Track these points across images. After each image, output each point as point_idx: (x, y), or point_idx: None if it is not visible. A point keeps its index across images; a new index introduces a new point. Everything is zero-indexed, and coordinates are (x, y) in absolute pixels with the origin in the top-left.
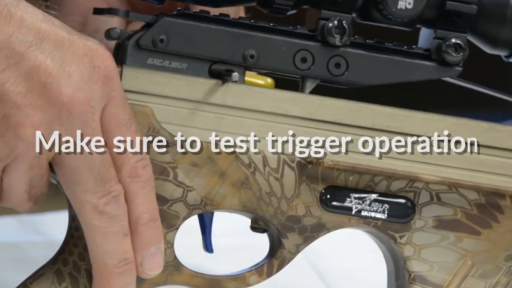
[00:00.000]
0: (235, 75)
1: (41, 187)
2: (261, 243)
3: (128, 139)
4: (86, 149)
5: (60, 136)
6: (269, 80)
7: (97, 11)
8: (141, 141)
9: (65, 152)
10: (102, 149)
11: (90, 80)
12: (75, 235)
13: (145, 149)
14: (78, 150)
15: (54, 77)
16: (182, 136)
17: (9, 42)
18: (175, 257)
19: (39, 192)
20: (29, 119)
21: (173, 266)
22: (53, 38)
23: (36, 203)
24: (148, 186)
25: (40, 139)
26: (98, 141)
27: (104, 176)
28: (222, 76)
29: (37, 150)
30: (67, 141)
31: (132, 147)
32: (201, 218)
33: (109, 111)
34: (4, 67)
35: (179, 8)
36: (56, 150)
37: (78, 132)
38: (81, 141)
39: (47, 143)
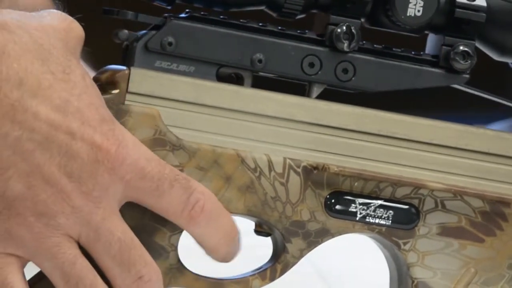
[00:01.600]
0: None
1: (79, 275)
2: (265, 245)
3: (167, 198)
4: (101, 236)
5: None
6: None
7: (106, 12)
8: (185, 187)
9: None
10: (118, 233)
11: (95, 180)
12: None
13: (193, 187)
14: (92, 237)
15: (57, 179)
16: (188, 139)
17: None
18: (179, 259)
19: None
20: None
21: (177, 269)
22: (63, 131)
23: None
24: (214, 219)
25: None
26: (111, 224)
27: (127, 261)
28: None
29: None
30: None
31: (178, 202)
32: None
33: (133, 189)
34: (11, 164)
35: (187, 10)
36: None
37: (86, 219)
38: (95, 229)
39: None
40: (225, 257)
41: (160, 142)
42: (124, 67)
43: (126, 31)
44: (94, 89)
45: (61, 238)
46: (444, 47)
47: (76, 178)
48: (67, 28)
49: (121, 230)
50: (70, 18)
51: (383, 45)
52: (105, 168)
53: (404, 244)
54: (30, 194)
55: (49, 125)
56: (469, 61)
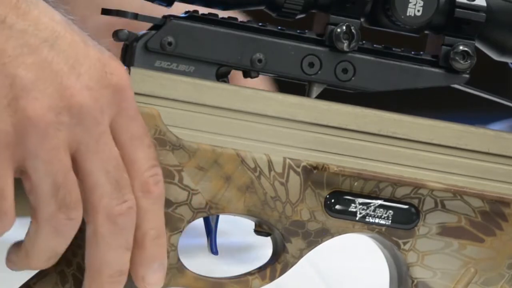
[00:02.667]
0: None
1: (68, 191)
2: (265, 244)
3: (141, 153)
4: (101, 148)
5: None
6: None
7: (105, 12)
8: (154, 157)
9: (82, 155)
10: (115, 151)
11: (100, 83)
12: (78, 236)
13: (158, 165)
14: (92, 147)
15: (65, 72)
16: (188, 139)
17: (25, 34)
18: (179, 259)
19: (69, 199)
20: (38, 102)
21: (176, 268)
22: (68, 39)
23: (69, 217)
24: (158, 203)
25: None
26: (109, 140)
27: (120, 181)
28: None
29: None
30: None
31: (145, 162)
32: (207, 221)
33: (120, 122)
34: (17, 54)
35: (187, 10)
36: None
37: (90, 128)
38: (96, 139)
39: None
40: (144, 262)
41: (160, 142)
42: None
43: (126, 30)
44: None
45: (61, 143)
46: (443, 46)
47: (86, 80)
48: None
49: (117, 152)
50: None
51: (383, 45)
52: (111, 84)
53: (404, 244)
54: (40, 84)
55: (60, 29)
56: (469, 61)
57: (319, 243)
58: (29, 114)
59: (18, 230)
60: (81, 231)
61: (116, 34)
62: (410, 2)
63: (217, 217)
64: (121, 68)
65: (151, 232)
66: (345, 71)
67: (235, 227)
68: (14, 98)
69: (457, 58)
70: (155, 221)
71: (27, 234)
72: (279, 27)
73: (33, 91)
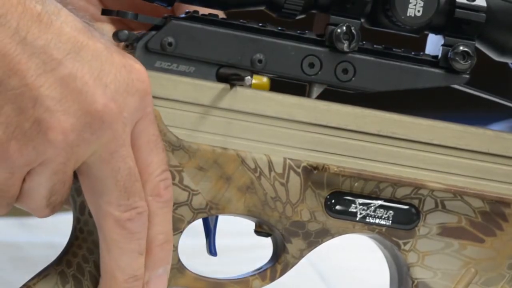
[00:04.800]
0: (248, 79)
1: (61, 195)
2: (266, 245)
3: (155, 157)
4: (114, 160)
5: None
6: (264, 80)
7: (105, 13)
8: (166, 161)
9: (92, 162)
10: (130, 162)
11: (126, 92)
12: (79, 237)
13: (168, 169)
14: (105, 158)
15: (90, 86)
16: (188, 139)
17: (47, 48)
18: (179, 260)
19: (58, 200)
20: (61, 125)
21: (177, 269)
22: (92, 48)
23: (53, 210)
24: (167, 207)
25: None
26: (127, 153)
27: (129, 189)
28: (232, 81)
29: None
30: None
31: (157, 166)
32: (206, 222)
33: (141, 126)
34: (41, 72)
35: (187, 11)
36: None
37: (108, 142)
38: (110, 152)
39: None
40: (151, 266)
41: None
42: None
43: (126, 31)
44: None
45: (73, 157)
46: (444, 47)
47: (112, 91)
48: None
49: (133, 161)
50: None
51: (383, 45)
52: (138, 91)
53: (404, 244)
54: (61, 103)
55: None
56: (469, 61)
57: (320, 244)
58: (51, 138)
59: (18, 230)
60: (82, 232)
61: (116, 35)
62: (410, 3)
63: (216, 218)
64: (144, 72)
65: (160, 237)
66: (345, 71)
67: (236, 228)
68: (36, 121)
69: (457, 58)
70: (164, 226)
71: None
72: (279, 28)
73: (57, 112)
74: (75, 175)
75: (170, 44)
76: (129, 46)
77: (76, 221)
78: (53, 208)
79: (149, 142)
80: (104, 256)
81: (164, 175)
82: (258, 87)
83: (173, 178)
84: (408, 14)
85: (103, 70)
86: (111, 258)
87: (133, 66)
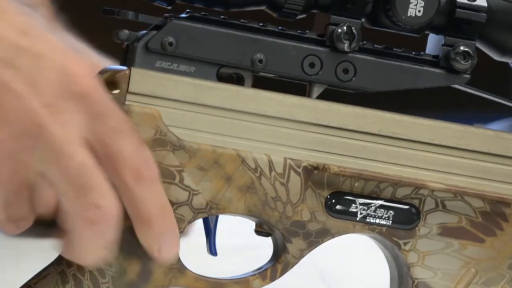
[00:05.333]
0: None
1: (20, 208)
2: (266, 245)
3: (125, 144)
4: (60, 159)
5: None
6: None
7: (106, 12)
8: (140, 141)
9: (44, 167)
10: (79, 157)
11: (61, 97)
12: None
13: (145, 148)
14: (50, 159)
15: (25, 93)
16: (189, 139)
17: None
18: (179, 259)
19: (19, 213)
20: None
21: (177, 269)
22: (32, 52)
23: (18, 225)
24: (154, 183)
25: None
26: (73, 150)
27: (86, 186)
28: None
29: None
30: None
31: (130, 150)
32: (206, 221)
33: (94, 123)
34: None
35: (188, 10)
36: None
37: (49, 145)
38: (54, 152)
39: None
40: (156, 237)
41: (161, 142)
42: (124, 67)
43: (126, 31)
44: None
45: (18, 165)
46: (444, 47)
47: (47, 103)
48: None
49: (82, 159)
50: None
51: (383, 45)
52: (74, 94)
53: (405, 244)
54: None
55: (15, 47)
56: (470, 61)
57: (320, 244)
58: None
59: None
60: None
61: (117, 34)
62: (411, 3)
63: (216, 218)
64: (86, 76)
65: (154, 210)
66: (345, 71)
67: (236, 228)
68: None
69: (457, 58)
70: (156, 200)
71: None
72: (280, 27)
73: None
74: None
75: (170, 44)
76: (130, 45)
77: None
78: (17, 223)
79: (113, 133)
80: (69, 246)
81: (141, 154)
82: None
83: (174, 178)
84: (408, 14)
85: (40, 75)
86: (76, 251)
87: (73, 67)
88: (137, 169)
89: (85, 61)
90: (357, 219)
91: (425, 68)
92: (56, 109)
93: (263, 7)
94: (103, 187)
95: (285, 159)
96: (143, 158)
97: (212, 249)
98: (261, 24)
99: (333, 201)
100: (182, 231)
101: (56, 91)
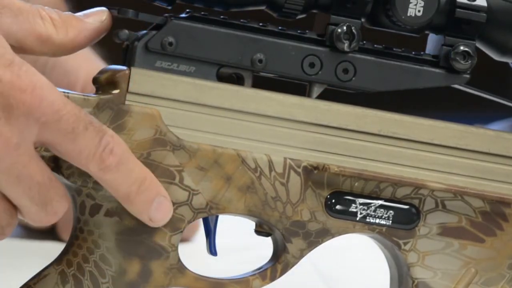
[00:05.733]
0: None
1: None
2: (266, 245)
3: (80, 141)
4: (12, 179)
5: None
6: None
7: None
8: (97, 130)
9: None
10: (33, 174)
11: (6, 115)
12: (79, 236)
13: (104, 133)
14: (6, 181)
15: None
16: (189, 139)
17: None
18: (179, 259)
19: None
20: None
21: (177, 269)
22: None
23: (3, 233)
24: (123, 163)
25: None
26: (28, 171)
27: (45, 200)
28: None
29: None
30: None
31: (89, 145)
32: (206, 221)
33: (45, 132)
34: None
35: (188, 10)
36: None
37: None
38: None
39: None
40: (142, 210)
41: (161, 142)
42: (124, 67)
43: (126, 31)
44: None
45: None
46: (444, 47)
47: None
48: None
49: (40, 172)
50: None
51: (383, 45)
52: (21, 112)
53: (405, 244)
54: None
55: None
56: (470, 61)
57: (320, 243)
58: None
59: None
60: (82, 232)
61: (116, 34)
62: (411, 3)
63: (216, 218)
64: (25, 91)
65: (130, 188)
66: (345, 71)
67: (236, 228)
68: None
69: (457, 58)
70: (128, 178)
71: None
72: (280, 27)
73: None
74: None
75: (170, 43)
76: (130, 45)
77: (77, 221)
78: (2, 230)
79: (65, 136)
80: None
81: (101, 145)
82: None
83: (174, 178)
84: (408, 14)
85: None
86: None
87: (12, 87)
88: (100, 160)
89: (29, 70)
90: (357, 219)
91: (425, 68)
92: (6, 137)
93: (263, 7)
94: (60, 190)
95: (285, 159)
96: (102, 147)
97: (212, 249)
98: (261, 24)
99: (333, 201)
100: (182, 231)
101: (1, 116)
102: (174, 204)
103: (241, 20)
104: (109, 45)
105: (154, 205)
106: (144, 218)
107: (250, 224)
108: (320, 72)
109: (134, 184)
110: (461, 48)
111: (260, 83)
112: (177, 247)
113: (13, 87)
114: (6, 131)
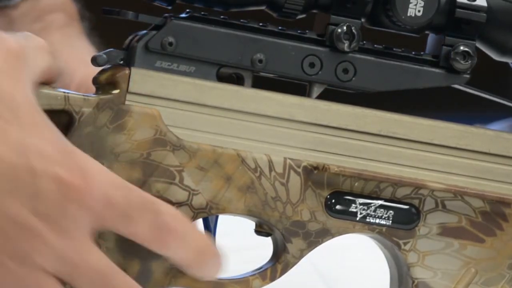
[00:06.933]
0: None
1: None
2: (266, 245)
3: (134, 226)
4: None
5: None
6: None
7: (106, 12)
8: (151, 210)
9: None
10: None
11: (62, 212)
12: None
13: (158, 210)
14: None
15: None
16: (189, 139)
17: None
18: None
19: None
20: None
21: (177, 269)
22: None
23: None
24: (182, 238)
25: None
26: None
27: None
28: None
29: None
30: None
31: (145, 228)
32: (206, 221)
33: (100, 221)
34: None
35: (188, 10)
36: None
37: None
38: None
39: None
40: (206, 273)
41: (161, 142)
42: (124, 67)
43: (104, 56)
44: (47, 124)
45: (41, 275)
46: (444, 47)
47: (45, 216)
48: (4, 57)
49: (97, 260)
50: (2, 40)
51: (383, 45)
52: (73, 202)
53: (405, 244)
54: (3, 238)
55: (10, 171)
56: (470, 61)
57: (320, 243)
58: None
59: None
60: None
61: (95, 59)
62: (411, 3)
63: (216, 218)
64: (79, 178)
65: (192, 256)
66: (345, 71)
67: (236, 228)
68: None
69: (457, 58)
70: (189, 249)
71: None
72: (280, 27)
73: None
74: None
75: (170, 44)
76: (130, 45)
77: None
78: None
79: (120, 217)
80: None
81: (157, 225)
82: None
83: (174, 178)
84: (408, 14)
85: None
86: None
87: (66, 179)
88: (157, 242)
89: (75, 159)
90: (357, 219)
91: (425, 68)
92: (58, 225)
93: (263, 7)
94: (124, 279)
95: (285, 159)
96: (159, 228)
97: None
98: (261, 24)
99: (333, 201)
100: None
101: (57, 209)
102: (174, 204)
103: (241, 20)
104: (109, 45)
105: (211, 265)
106: (201, 277)
107: (250, 224)
108: (320, 72)
109: (194, 253)
110: (461, 48)
111: (260, 83)
112: None
113: (66, 183)
114: (59, 220)
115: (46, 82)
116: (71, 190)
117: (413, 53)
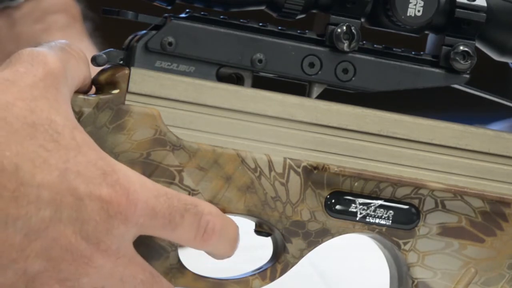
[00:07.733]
0: None
1: None
2: (266, 245)
3: (178, 231)
4: None
5: None
6: None
7: (106, 12)
8: (194, 213)
9: None
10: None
11: (109, 232)
12: None
13: (200, 212)
14: None
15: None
16: (189, 139)
17: None
18: (179, 259)
19: None
20: None
21: (177, 269)
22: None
23: None
24: (223, 234)
25: None
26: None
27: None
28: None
29: None
30: None
31: (186, 233)
32: None
33: (144, 231)
34: None
35: (187, 10)
36: None
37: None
38: None
39: None
40: (229, 256)
41: (161, 142)
42: (124, 67)
43: (104, 56)
44: (86, 143)
45: None
46: (444, 47)
47: (94, 239)
48: (43, 77)
49: (142, 270)
50: (41, 57)
51: (383, 45)
52: (120, 221)
53: (404, 244)
54: (51, 265)
55: (53, 198)
56: (469, 61)
57: (320, 243)
58: None
59: None
60: None
61: (94, 59)
62: (411, 3)
63: None
64: (123, 196)
65: (230, 247)
66: (345, 71)
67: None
68: (29, 282)
69: (457, 58)
70: (228, 242)
71: None
72: (280, 27)
73: (46, 272)
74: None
75: (170, 43)
76: (130, 45)
77: None
78: None
79: (164, 229)
80: None
81: (200, 227)
82: None
83: (173, 178)
84: (408, 14)
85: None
86: None
87: (112, 200)
88: (201, 242)
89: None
90: (357, 219)
91: (425, 68)
92: (107, 246)
93: (263, 7)
94: (164, 284)
95: (285, 159)
96: (202, 229)
97: None
98: (261, 24)
99: (333, 201)
100: None
101: (104, 230)
102: None
103: (241, 20)
104: (109, 46)
105: (238, 243)
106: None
107: (250, 224)
108: (320, 72)
109: (231, 244)
110: (461, 48)
111: (260, 83)
112: (177, 247)
113: (110, 202)
114: (107, 241)
115: (79, 91)
116: (116, 209)
117: (413, 53)
